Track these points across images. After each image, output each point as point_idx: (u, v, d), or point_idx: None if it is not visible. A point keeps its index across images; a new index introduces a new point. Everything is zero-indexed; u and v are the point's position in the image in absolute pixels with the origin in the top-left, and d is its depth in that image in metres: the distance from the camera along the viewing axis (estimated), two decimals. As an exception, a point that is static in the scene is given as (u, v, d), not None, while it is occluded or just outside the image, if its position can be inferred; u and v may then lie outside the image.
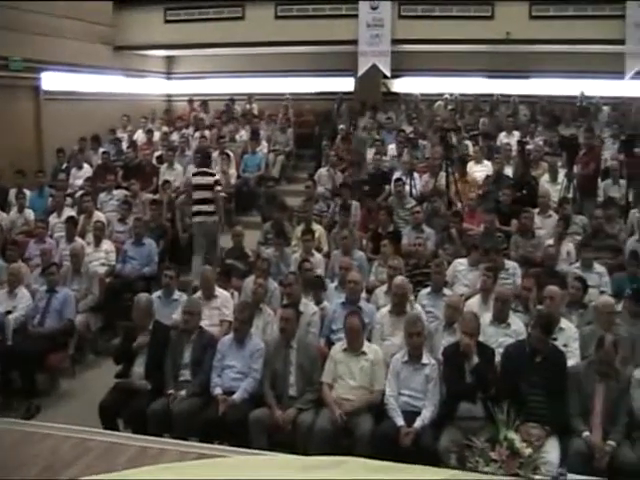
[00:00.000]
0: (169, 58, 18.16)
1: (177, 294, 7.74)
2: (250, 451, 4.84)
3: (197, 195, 9.93)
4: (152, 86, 17.51)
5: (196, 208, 9.93)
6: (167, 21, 15.96)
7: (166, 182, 11.49)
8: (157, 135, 14.14)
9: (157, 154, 12.99)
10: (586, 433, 5.52)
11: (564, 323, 6.56)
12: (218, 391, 6.18)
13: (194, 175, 10.17)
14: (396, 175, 10.82)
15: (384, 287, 7.47)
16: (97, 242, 9.48)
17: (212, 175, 10.15)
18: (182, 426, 5.95)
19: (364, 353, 6.13)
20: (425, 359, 5.99)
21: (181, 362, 6.44)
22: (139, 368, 6.51)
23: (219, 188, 10.05)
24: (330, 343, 6.83)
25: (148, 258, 9.40)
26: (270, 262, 8.17)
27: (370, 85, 15.76)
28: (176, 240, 10.35)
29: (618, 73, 14.68)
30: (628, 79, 14.68)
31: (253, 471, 2.96)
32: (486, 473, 4.68)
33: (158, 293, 7.72)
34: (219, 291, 7.56)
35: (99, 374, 7.82)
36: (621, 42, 14.51)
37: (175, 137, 14.01)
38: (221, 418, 5.96)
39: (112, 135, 14.08)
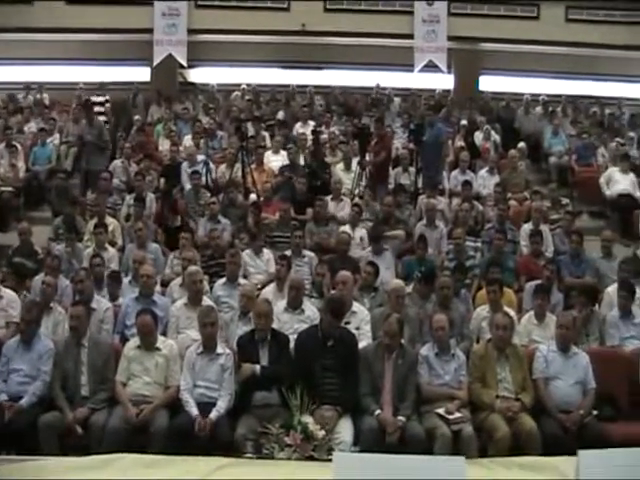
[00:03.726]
0: (-52, 44, 16.85)
1: (-44, 298, 7.21)
2: (38, 457, 4.63)
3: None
4: None
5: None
6: (-59, 3, 14.85)
7: (-54, 177, 10.73)
8: None
9: None
10: (378, 411, 5.72)
11: (356, 306, 6.78)
12: (3, 397, 5.84)
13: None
14: (192, 167, 10.68)
15: (179, 280, 7.38)
16: None
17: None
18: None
19: (158, 349, 6.03)
20: (220, 349, 5.97)
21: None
22: None
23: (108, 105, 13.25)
24: (125, 339, 6.66)
25: None
26: (61, 259, 7.88)
27: (166, 75, 15.54)
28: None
29: (408, 66, 15.42)
30: (417, 72, 15.46)
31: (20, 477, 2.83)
32: (281, 458, 4.77)
33: None
34: (4, 291, 7.15)
35: None
36: (410, 37, 15.26)
37: (-46, 129, 13.06)
38: (7, 425, 5.62)
39: None
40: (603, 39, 15.33)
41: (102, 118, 12.78)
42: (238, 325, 6.58)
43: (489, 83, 16.35)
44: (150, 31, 15.09)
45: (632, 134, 13.36)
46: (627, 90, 16.53)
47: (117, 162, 11.42)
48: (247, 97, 14.56)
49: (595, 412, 5.90)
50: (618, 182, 11.15)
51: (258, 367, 5.85)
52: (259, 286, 7.62)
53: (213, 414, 5.64)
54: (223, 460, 3.66)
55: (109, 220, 9.14)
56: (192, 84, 16.20)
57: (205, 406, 5.74)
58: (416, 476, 3.04)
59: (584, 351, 6.29)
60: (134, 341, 6.15)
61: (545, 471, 4.01)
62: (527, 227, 9.24)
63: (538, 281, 7.65)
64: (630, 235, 10.44)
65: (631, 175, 11.25)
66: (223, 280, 7.51)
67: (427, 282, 7.31)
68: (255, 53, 15.91)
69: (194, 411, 5.67)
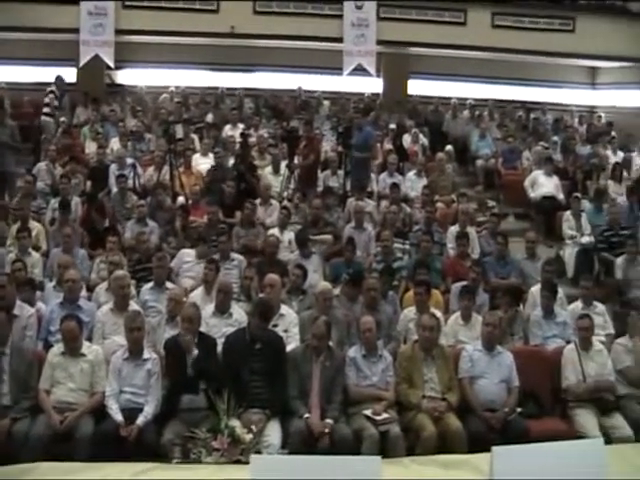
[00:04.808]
0: None
1: None
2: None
3: (46, 100, 13.37)
4: None
5: (45, 110, 13.25)
6: None
7: None
8: None
9: None
10: (307, 415, 5.72)
11: (284, 309, 6.80)
12: None
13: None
14: (120, 170, 10.50)
15: (105, 284, 7.26)
16: None
17: (54, 94, 13.58)
18: None
19: (83, 355, 5.92)
20: (146, 354, 5.91)
21: None
22: None
23: (55, 103, 13.49)
24: (49, 346, 6.50)
25: None
26: (-19, 265, 7.66)
27: (93, 76, 15.22)
28: None
29: (337, 69, 15.50)
30: (346, 75, 15.56)
31: None
32: (209, 463, 4.73)
33: None
34: None
35: None
36: (339, 40, 15.34)
37: None
38: None
39: None
40: (528, 45, 15.69)
41: (47, 109, 13.34)
42: (165, 329, 6.51)
43: (417, 87, 16.56)
44: (76, 31, 14.79)
45: (555, 138, 13.70)
46: (551, 95, 17.01)
47: (41, 164, 11.12)
48: (176, 99, 14.40)
49: (519, 409, 6.05)
50: (542, 185, 11.41)
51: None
52: (188, 289, 7.55)
53: (140, 420, 5.58)
54: (145, 465, 3.61)
55: (33, 224, 8.88)
56: (120, 85, 15.97)
57: (132, 412, 5.66)
58: (332, 476, 3.06)
59: (508, 350, 6.43)
60: (58, 347, 6.01)
61: (462, 468, 4.07)
62: (454, 229, 9.36)
63: (464, 282, 7.78)
64: (553, 236, 10.70)
65: (554, 178, 11.54)
66: (150, 284, 7.42)
67: (355, 284, 7.33)
68: (184, 55, 15.80)
69: (119, 417, 5.60)
